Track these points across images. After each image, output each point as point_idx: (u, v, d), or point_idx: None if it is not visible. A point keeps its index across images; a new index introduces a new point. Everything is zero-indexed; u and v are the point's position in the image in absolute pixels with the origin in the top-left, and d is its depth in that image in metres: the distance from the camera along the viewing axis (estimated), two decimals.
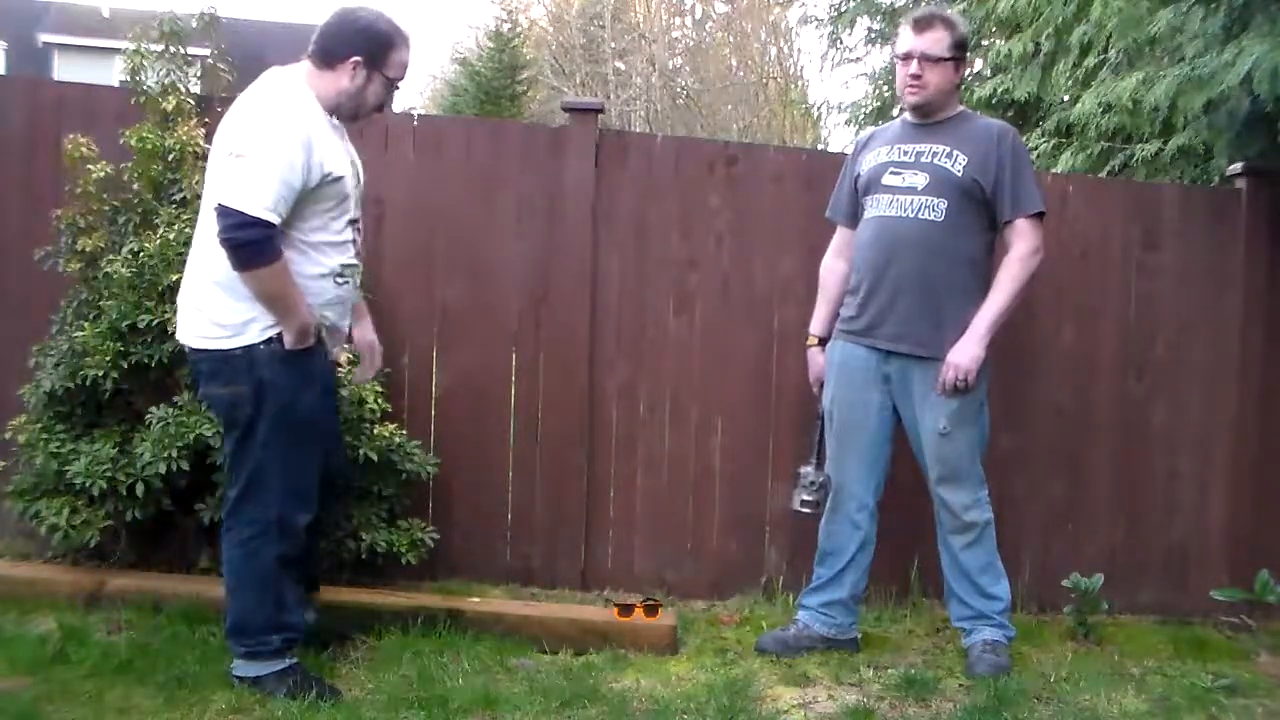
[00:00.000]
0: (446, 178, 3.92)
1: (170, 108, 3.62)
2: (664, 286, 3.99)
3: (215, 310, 2.76)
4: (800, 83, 20.11)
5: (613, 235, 3.96)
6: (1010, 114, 6.79)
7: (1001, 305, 3.29)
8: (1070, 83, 6.22)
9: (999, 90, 6.84)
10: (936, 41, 3.34)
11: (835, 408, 3.47)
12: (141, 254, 3.39)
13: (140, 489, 3.24)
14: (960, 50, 3.39)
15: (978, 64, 7.70)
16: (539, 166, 3.95)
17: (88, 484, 3.25)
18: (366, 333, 3.15)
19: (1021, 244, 3.31)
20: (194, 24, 3.79)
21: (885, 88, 8.59)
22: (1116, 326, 4.13)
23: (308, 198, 2.72)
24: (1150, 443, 4.13)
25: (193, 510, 3.39)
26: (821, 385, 3.57)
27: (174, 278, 3.32)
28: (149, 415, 3.30)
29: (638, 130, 18.00)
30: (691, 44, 22.58)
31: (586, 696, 2.91)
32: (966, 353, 3.25)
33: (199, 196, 3.04)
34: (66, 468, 3.28)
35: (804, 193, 3.97)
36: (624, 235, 3.97)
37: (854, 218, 3.53)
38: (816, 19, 11.70)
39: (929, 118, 3.41)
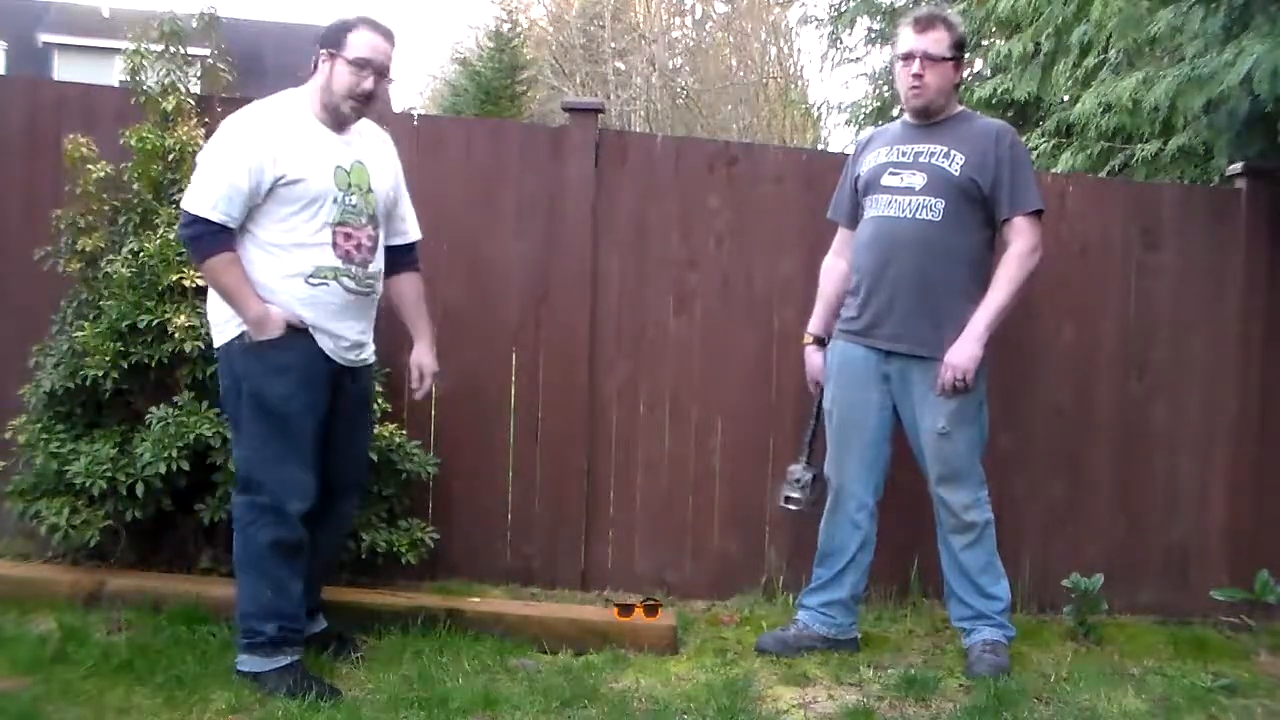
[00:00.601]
0: (446, 178, 3.92)
1: (170, 108, 3.63)
2: (664, 286, 4.00)
3: (210, 309, 2.98)
4: (800, 83, 20.08)
5: (613, 235, 3.96)
6: (1010, 114, 6.80)
7: (999, 304, 3.28)
8: (1070, 83, 6.22)
9: (999, 90, 6.84)
10: (937, 42, 3.34)
11: (835, 407, 3.47)
12: (141, 254, 3.40)
13: (140, 489, 3.25)
14: (960, 50, 3.41)
15: (978, 64, 7.70)
16: (539, 166, 3.95)
17: (88, 484, 3.25)
18: (419, 354, 3.23)
19: (1020, 242, 3.31)
20: (194, 24, 3.79)
21: (885, 88, 8.60)
22: (1116, 326, 4.12)
23: (269, 199, 2.83)
24: (1150, 443, 4.13)
25: (193, 510, 3.39)
26: (818, 384, 3.58)
27: (174, 278, 3.34)
28: (149, 415, 3.30)
29: (638, 130, 17.98)
30: (691, 44, 22.55)
31: (586, 696, 2.92)
32: (964, 353, 3.25)
33: None
34: (66, 468, 3.28)
35: (804, 193, 3.98)
36: (624, 235, 3.98)
37: (854, 218, 3.53)
38: (816, 19, 11.76)
39: (929, 119, 3.42)
